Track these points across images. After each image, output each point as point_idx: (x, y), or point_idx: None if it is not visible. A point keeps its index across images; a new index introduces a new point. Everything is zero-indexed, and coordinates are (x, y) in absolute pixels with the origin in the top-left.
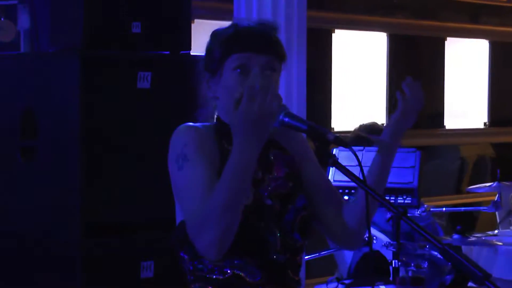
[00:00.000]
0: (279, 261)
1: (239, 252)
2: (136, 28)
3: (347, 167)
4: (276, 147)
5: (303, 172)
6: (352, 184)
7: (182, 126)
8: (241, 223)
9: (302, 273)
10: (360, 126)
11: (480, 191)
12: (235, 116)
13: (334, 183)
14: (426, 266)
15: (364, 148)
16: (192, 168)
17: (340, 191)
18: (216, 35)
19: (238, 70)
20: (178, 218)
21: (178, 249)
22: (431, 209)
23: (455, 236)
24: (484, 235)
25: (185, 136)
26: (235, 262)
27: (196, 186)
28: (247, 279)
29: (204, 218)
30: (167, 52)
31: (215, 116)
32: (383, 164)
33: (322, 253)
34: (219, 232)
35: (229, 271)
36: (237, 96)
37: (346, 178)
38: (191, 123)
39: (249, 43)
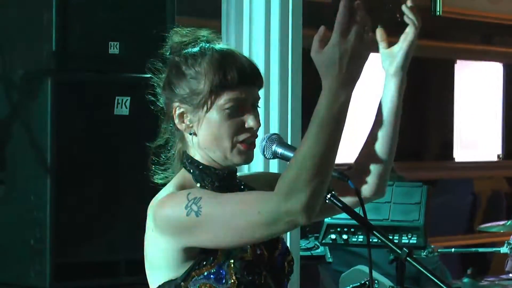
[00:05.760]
0: None
1: None
2: (113, 48)
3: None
4: (246, 186)
5: None
6: (353, 221)
7: (167, 194)
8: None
9: None
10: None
11: (493, 230)
12: (321, 55)
13: (332, 220)
14: None
15: None
16: (214, 197)
17: (339, 229)
18: (191, 60)
19: (231, 108)
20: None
21: None
22: (439, 250)
23: (466, 280)
24: (498, 279)
25: (180, 194)
26: None
27: (234, 198)
28: None
29: (290, 182)
30: (148, 75)
31: (188, 158)
32: (400, 90)
33: None
34: (310, 192)
35: None
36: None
37: (345, 215)
38: (171, 190)
39: (242, 77)
